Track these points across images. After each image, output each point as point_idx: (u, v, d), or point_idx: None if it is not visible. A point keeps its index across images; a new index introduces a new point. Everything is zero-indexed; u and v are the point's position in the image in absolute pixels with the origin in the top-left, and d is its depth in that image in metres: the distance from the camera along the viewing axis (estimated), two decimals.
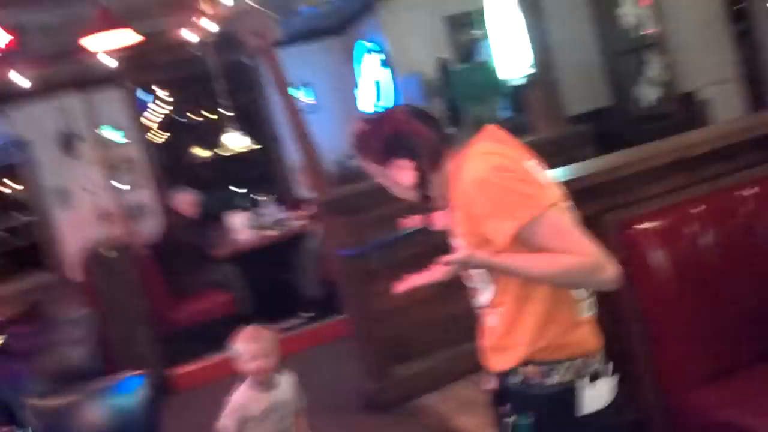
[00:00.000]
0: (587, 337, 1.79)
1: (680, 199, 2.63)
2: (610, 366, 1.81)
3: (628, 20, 6.39)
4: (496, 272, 1.75)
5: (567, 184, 2.56)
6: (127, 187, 7.23)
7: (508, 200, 1.66)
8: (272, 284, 6.52)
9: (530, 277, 1.70)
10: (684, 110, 6.13)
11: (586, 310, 1.80)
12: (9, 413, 2.82)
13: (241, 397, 2.84)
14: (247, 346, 2.82)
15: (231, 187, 8.33)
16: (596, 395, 1.75)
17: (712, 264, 2.51)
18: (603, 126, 6.22)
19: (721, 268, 2.51)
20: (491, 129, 1.85)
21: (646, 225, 2.54)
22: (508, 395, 1.80)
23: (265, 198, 7.34)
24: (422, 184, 1.83)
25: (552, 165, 3.08)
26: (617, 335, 2.52)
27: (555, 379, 1.74)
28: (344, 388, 4.66)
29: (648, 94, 6.71)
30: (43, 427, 2.13)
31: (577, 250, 1.63)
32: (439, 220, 1.98)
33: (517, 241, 1.65)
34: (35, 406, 2.27)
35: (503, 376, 1.81)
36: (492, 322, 1.82)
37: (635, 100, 6.80)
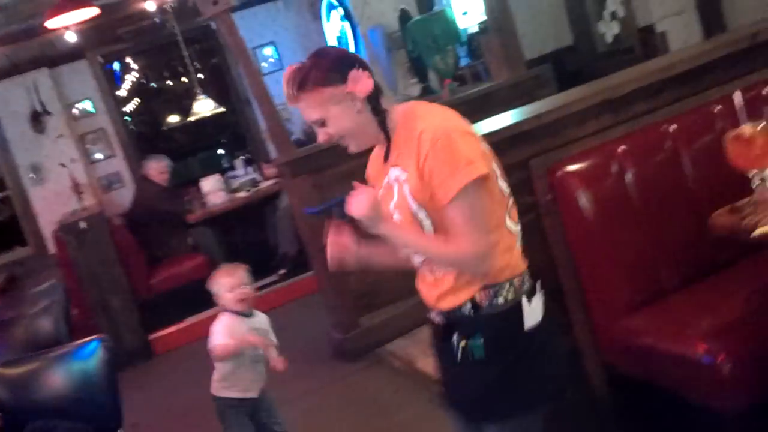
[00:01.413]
0: (519, 257, 1.92)
1: (605, 139, 2.73)
2: (539, 283, 1.94)
3: None
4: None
5: (495, 133, 2.70)
6: (100, 158, 7.31)
7: (458, 161, 1.75)
8: (247, 244, 6.66)
9: (416, 252, 1.89)
10: (643, 43, 6.19)
11: (516, 235, 1.93)
12: None
13: (225, 320, 3.06)
14: (225, 279, 3.08)
15: (203, 151, 8.40)
16: (534, 309, 1.89)
17: (636, 200, 2.62)
18: (566, 65, 6.29)
19: (644, 203, 2.62)
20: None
21: (572, 167, 2.64)
22: (454, 325, 1.91)
23: (238, 160, 7.44)
24: (376, 96, 1.87)
25: (511, 108, 3.21)
26: (549, 272, 2.66)
27: (501, 299, 1.86)
28: (315, 339, 4.83)
29: (609, 30, 6.75)
30: (8, 394, 2.27)
31: (472, 239, 1.78)
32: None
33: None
34: (1, 374, 2.41)
35: (452, 310, 1.91)
36: (437, 272, 1.91)
37: (597, 36, 6.84)
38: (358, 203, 1.78)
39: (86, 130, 7.29)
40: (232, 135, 8.46)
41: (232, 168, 7.42)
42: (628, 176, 2.63)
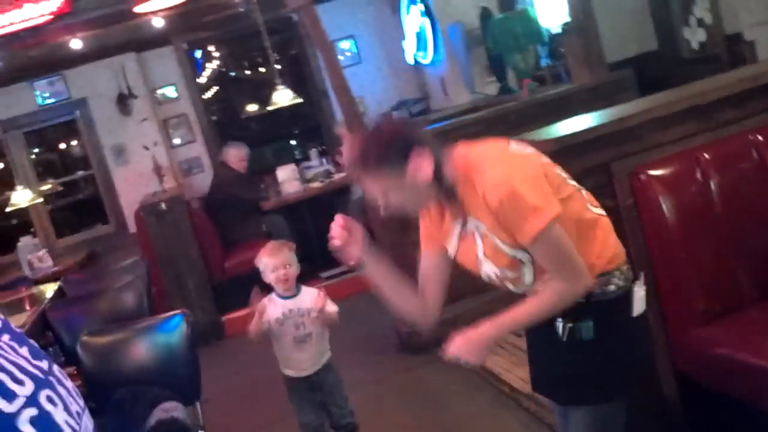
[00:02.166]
0: (618, 242, 1.98)
1: (689, 146, 2.70)
2: (642, 273, 1.99)
3: None
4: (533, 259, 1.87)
5: (577, 134, 2.70)
6: (181, 143, 7.52)
7: (526, 212, 1.77)
8: (319, 234, 6.74)
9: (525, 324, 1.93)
10: (730, 52, 6.05)
11: (606, 216, 1.98)
12: (69, 355, 3.10)
13: (262, 302, 3.11)
14: (268, 259, 3.12)
15: (277, 141, 8.54)
16: (642, 297, 1.95)
17: (719, 208, 2.59)
18: (649, 70, 6.19)
19: (727, 213, 2.58)
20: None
21: (656, 172, 2.61)
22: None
23: (313, 151, 7.55)
24: (439, 173, 1.86)
25: (590, 111, 3.20)
26: None
27: (613, 286, 1.92)
28: (383, 330, 4.88)
29: (694, 36, 6.62)
30: (93, 363, 2.39)
31: (561, 275, 1.83)
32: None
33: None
34: (86, 343, 2.53)
35: None
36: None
37: (682, 42, 6.71)
38: (466, 353, 1.91)
39: (169, 114, 7.51)
40: (307, 126, 8.58)
41: (306, 158, 7.54)
42: (713, 184, 2.59)
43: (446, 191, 1.89)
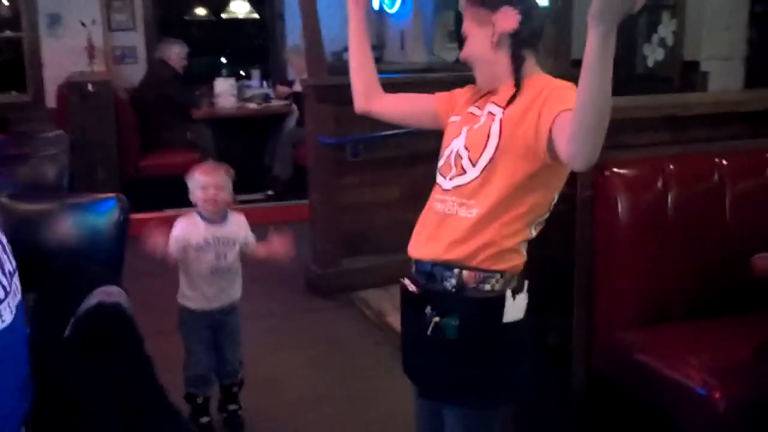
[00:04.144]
0: (522, 260, 1.91)
1: (658, 154, 2.72)
2: (526, 283, 1.92)
3: None
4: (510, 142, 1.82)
5: None
6: (120, 28, 7.11)
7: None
8: (243, 156, 6.55)
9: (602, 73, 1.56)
10: (684, 77, 6.18)
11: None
12: None
13: (182, 223, 2.89)
14: (201, 176, 2.88)
15: (222, 54, 8.25)
16: (516, 306, 1.88)
17: (672, 220, 2.61)
18: None
19: (677, 227, 2.61)
20: None
21: (619, 170, 2.62)
22: (430, 299, 1.89)
23: (255, 71, 7.31)
24: (520, 42, 1.87)
25: None
26: (564, 265, 2.66)
27: (488, 286, 1.86)
28: (292, 267, 4.76)
29: (653, 54, 6.74)
30: (12, 229, 2.18)
31: None
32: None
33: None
34: (5, 205, 2.32)
35: (431, 277, 1.90)
36: (461, 212, 1.87)
37: (639, 57, 6.82)
38: None
39: None
40: (253, 45, 8.33)
41: (247, 77, 7.30)
42: (671, 196, 2.62)
43: (515, 63, 1.87)
